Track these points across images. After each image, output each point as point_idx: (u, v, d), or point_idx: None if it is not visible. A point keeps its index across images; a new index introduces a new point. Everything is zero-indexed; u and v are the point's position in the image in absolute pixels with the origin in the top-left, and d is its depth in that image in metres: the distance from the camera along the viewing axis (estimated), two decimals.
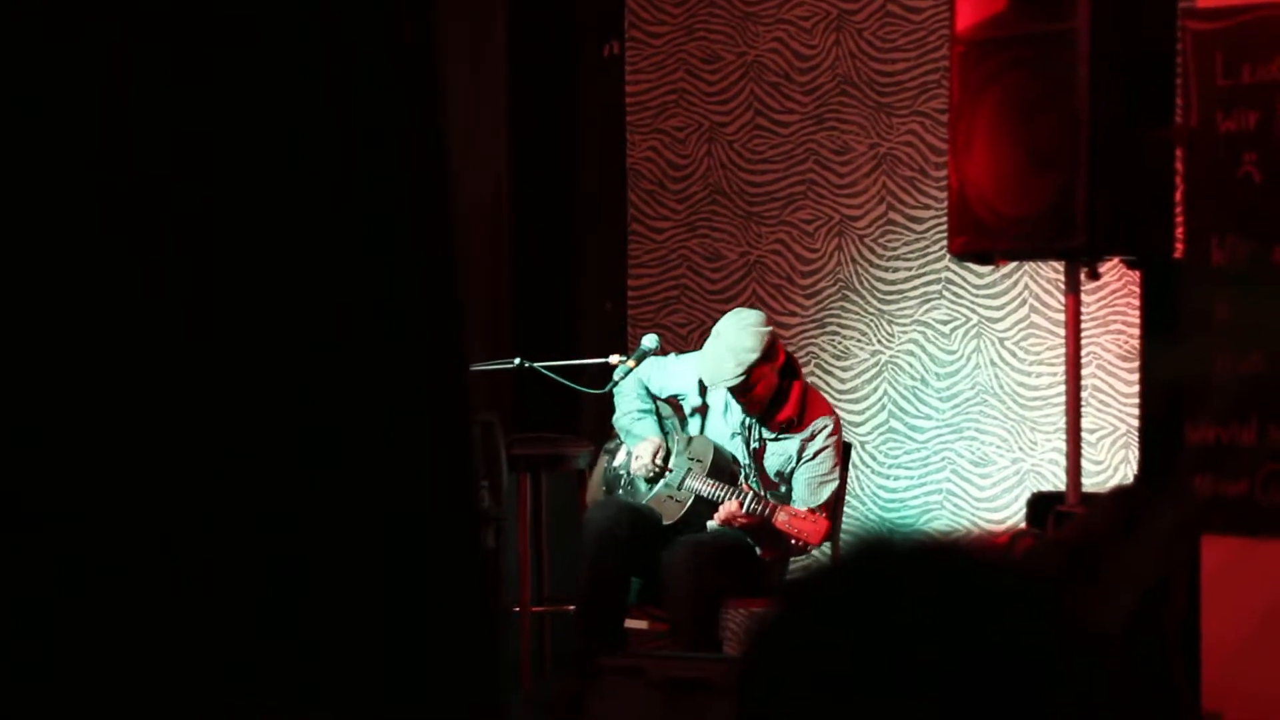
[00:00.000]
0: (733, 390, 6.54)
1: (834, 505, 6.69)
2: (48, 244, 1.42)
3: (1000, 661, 1.37)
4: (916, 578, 1.41)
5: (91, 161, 1.44)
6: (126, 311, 1.45)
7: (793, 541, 6.49)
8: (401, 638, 1.55)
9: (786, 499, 6.63)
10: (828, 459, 6.64)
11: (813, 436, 6.64)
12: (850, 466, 7.09)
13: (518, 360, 6.87)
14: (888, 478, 7.55)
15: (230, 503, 1.48)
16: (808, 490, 6.62)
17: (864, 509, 7.54)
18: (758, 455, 6.67)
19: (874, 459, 7.56)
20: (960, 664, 1.36)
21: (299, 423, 1.52)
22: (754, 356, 6.48)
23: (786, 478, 6.66)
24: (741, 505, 6.50)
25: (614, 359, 6.93)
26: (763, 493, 6.57)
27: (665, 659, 5.45)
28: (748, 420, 6.64)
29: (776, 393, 6.61)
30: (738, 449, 6.68)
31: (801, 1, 7.72)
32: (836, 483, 6.68)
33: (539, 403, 7.41)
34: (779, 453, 6.66)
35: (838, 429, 6.71)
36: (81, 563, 1.43)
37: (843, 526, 6.96)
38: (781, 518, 6.43)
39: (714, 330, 6.63)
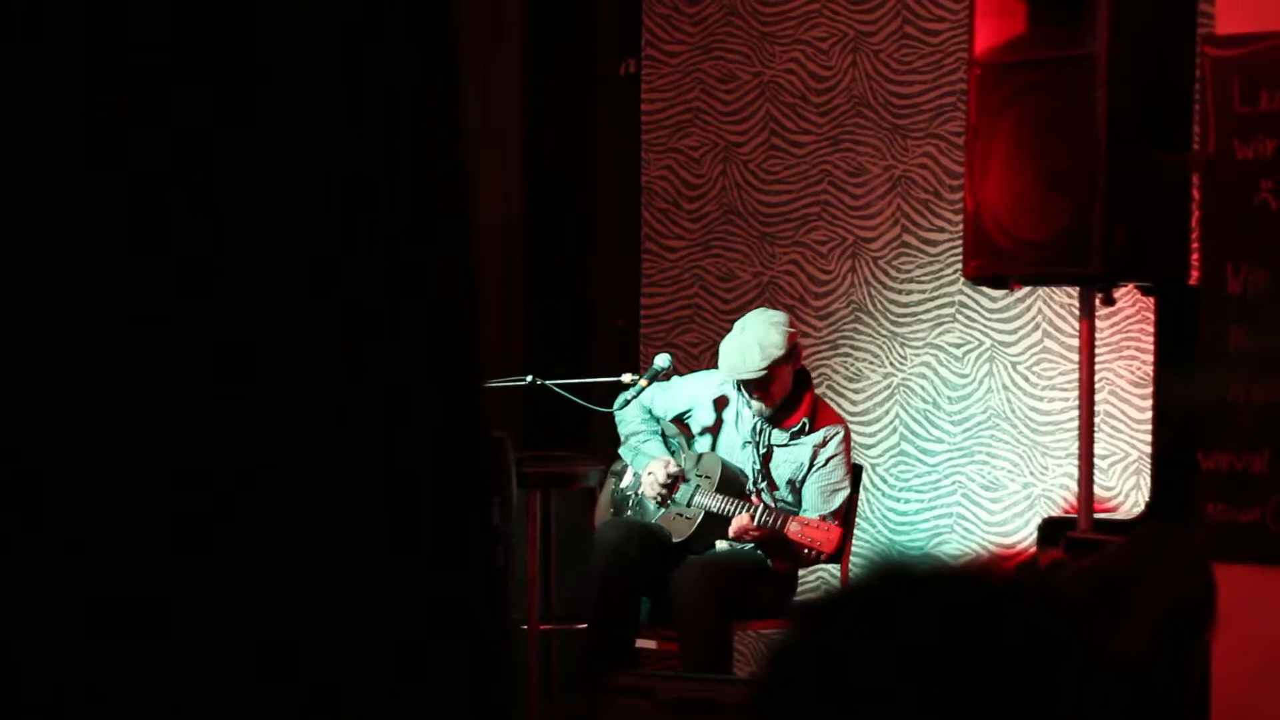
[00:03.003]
0: (750, 385, 6.56)
1: (845, 515, 6.71)
2: (48, 245, 1.42)
3: (1017, 687, 1.36)
4: (932, 601, 1.40)
5: (92, 162, 1.43)
6: (126, 316, 1.44)
7: (806, 551, 6.50)
8: (409, 654, 1.54)
9: (797, 507, 6.65)
10: (839, 467, 6.67)
11: (825, 443, 6.67)
12: (861, 489, 7.09)
13: (529, 378, 6.87)
14: (898, 500, 7.54)
15: (235, 511, 1.47)
16: (820, 498, 6.64)
17: (874, 531, 7.53)
18: (766, 460, 6.69)
19: (885, 481, 7.55)
20: (976, 689, 1.35)
21: (305, 432, 1.51)
22: (779, 353, 6.56)
23: (798, 486, 6.68)
24: (753, 518, 6.51)
25: (626, 378, 6.93)
26: (773, 504, 6.58)
27: (675, 679, 5.44)
28: (758, 425, 6.66)
29: (789, 396, 6.65)
30: (748, 456, 6.70)
31: (819, 23, 7.73)
32: (848, 491, 6.70)
33: (550, 420, 7.40)
34: (790, 460, 6.68)
35: (848, 438, 6.75)
36: (76, 564, 1.42)
37: (853, 550, 6.96)
38: (794, 528, 6.45)
39: (739, 324, 6.69)
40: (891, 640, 1.37)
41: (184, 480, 1.43)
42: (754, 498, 6.62)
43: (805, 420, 6.67)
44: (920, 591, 1.41)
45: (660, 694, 5.07)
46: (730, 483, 6.67)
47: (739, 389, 6.71)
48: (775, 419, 6.67)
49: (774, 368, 6.56)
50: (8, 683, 1.39)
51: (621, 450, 6.99)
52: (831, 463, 6.66)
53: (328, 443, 1.50)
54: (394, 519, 1.53)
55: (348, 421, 1.51)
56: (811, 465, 6.66)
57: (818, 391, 7.46)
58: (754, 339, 6.58)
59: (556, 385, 6.89)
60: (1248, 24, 4.75)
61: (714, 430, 6.82)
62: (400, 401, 1.54)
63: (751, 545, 6.64)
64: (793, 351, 6.65)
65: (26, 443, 1.40)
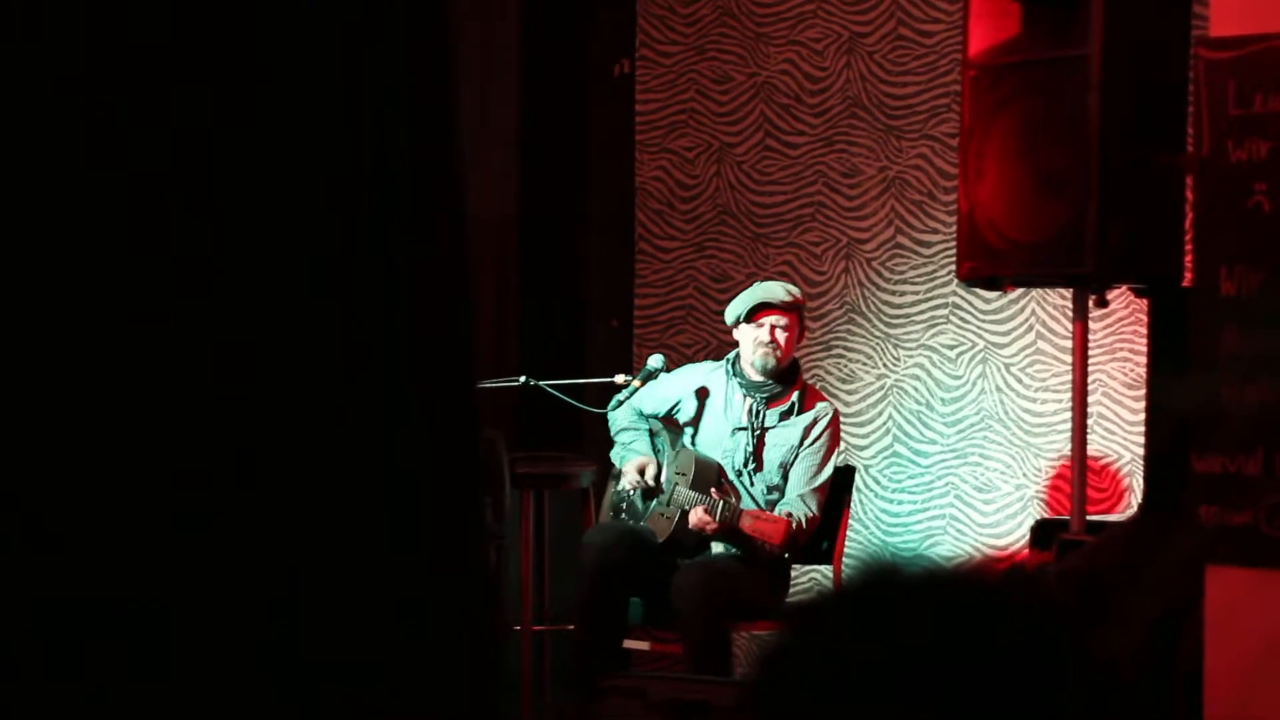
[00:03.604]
0: (772, 310, 6.62)
1: (831, 508, 6.73)
2: (48, 245, 1.41)
3: (1008, 690, 1.36)
4: (925, 603, 1.40)
5: (92, 162, 1.43)
6: (126, 316, 1.44)
7: (760, 545, 6.54)
8: (403, 654, 1.54)
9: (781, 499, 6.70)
10: (824, 448, 6.72)
11: (815, 422, 6.73)
12: (854, 489, 7.09)
13: (523, 378, 6.87)
14: (891, 502, 7.54)
15: (232, 513, 1.47)
16: (805, 477, 6.69)
17: (866, 532, 7.53)
18: (760, 443, 6.71)
19: (878, 483, 7.55)
20: (967, 691, 1.35)
21: (302, 430, 1.51)
22: (800, 299, 6.79)
23: (788, 468, 6.71)
24: (709, 512, 6.54)
25: (619, 378, 6.94)
26: (731, 499, 6.60)
27: (668, 680, 5.44)
28: (754, 406, 6.70)
29: (784, 373, 6.69)
30: (739, 442, 6.72)
31: (813, 24, 7.73)
32: (831, 470, 6.74)
33: (543, 421, 7.40)
34: (780, 443, 6.71)
35: (837, 420, 6.80)
36: (76, 564, 1.42)
37: (846, 550, 6.96)
38: (746, 522, 6.51)
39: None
40: (884, 642, 1.37)
41: (182, 479, 1.43)
42: (715, 491, 6.63)
43: (794, 401, 6.72)
44: (912, 593, 1.41)
45: (653, 694, 5.07)
46: (703, 477, 6.69)
47: (731, 372, 6.76)
48: (770, 395, 6.71)
49: (794, 308, 6.74)
50: (7, 682, 1.39)
51: (612, 453, 7.01)
52: (818, 442, 6.71)
53: (324, 442, 1.50)
54: (390, 518, 1.53)
55: (344, 420, 1.51)
56: (801, 444, 6.71)
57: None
58: (775, 283, 6.86)
59: (550, 386, 6.89)
60: (1242, 26, 4.75)
61: (694, 422, 6.84)
62: (395, 401, 1.54)
63: (729, 545, 6.66)
64: (805, 312, 6.87)
65: (27, 442, 1.39)
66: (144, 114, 1.45)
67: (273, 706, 1.48)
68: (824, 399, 6.88)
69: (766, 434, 6.74)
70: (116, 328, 1.43)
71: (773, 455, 6.72)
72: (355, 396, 1.53)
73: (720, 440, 6.78)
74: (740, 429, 6.75)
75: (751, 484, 6.73)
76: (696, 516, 6.59)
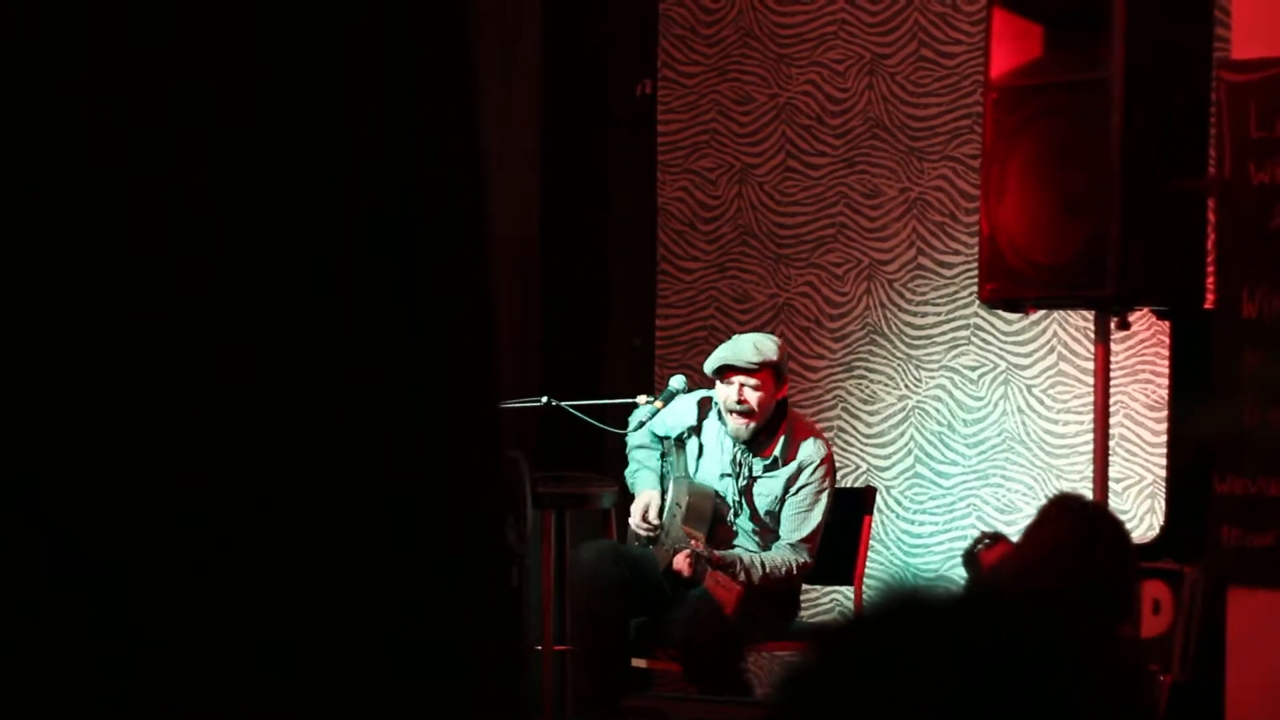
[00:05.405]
0: (737, 374, 6.56)
1: (817, 544, 6.70)
2: (48, 245, 1.42)
3: (1032, 713, 1.36)
4: (946, 629, 1.40)
5: (92, 162, 1.43)
6: (126, 316, 1.44)
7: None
8: (423, 674, 1.55)
9: (775, 535, 6.67)
10: (809, 496, 6.67)
11: (799, 472, 6.68)
12: (875, 511, 7.09)
13: (545, 399, 6.88)
14: (912, 523, 7.54)
15: (231, 514, 1.48)
16: (791, 526, 6.68)
17: (888, 554, 7.53)
18: (748, 493, 6.70)
19: (899, 504, 7.54)
20: (991, 714, 1.36)
21: (324, 454, 1.51)
22: (773, 356, 6.67)
23: (776, 517, 6.69)
24: (689, 560, 6.52)
25: (641, 399, 6.94)
26: (705, 551, 6.55)
27: (688, 701, 5.44)
28: (738, 455, 6.67)
29: (767, 422, 6.65)
30: (728, 488, 6.71)
31: (835, 45, 7.73)
32: (819, 518, 6.69)
33: (565, 441, 7.40)
34: (765, 493, 6.70)
35: (828, 460, 6.73)
36: (76, 564, 1.43)
37: (867, 571, 6.96)
38: (709, 581, 6.45)
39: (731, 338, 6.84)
40: (905, 666, 1.37)
41: (181, 480, 1.43)
42: (695, 541, 6.59)
43: (777, 453, 6.67)
44: (935, 617, 1.41)
45: (672, 716, 5.07)
46: (697, 510, 6.68)
47: (720, 417, 6.72)
48: (753, 445, 6.68)
49: (765, 366, 6.62)
50: (10, 683, 1.39)
51: (626, 471, 7.01)
52: (804, 491, 6.68)
53: (325, 443, 1.50)
54: (407, 537, 1.53)
55: (357, 436, 1.51)
56: (785, 494, 6.68)
57: (832, 414, 7.47)
58: (748, 340, 6.74)
59: (571, 406, 6.89)
60: (1264, 49, 4.76)
61: (697, 439, 6.82)
62: (416, 419, 1.54)
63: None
64: (782, 370, 6.72)
65: (27, 443, 1.40)
66: (144, 114, 1.45)
67: (274, 708, 1.48)
68: (813, 435, 6.82)
69: (755, 483, 6.72)
70: (116, 328, 1.44)
71: (759, 504, 6.72)
72: (359, 398, 1.53)
73: (712, 476, 6.78)
74: (727, 475, 6.74)
75: (751, 527, 6.73)
76: (678, 562, 6.57)
